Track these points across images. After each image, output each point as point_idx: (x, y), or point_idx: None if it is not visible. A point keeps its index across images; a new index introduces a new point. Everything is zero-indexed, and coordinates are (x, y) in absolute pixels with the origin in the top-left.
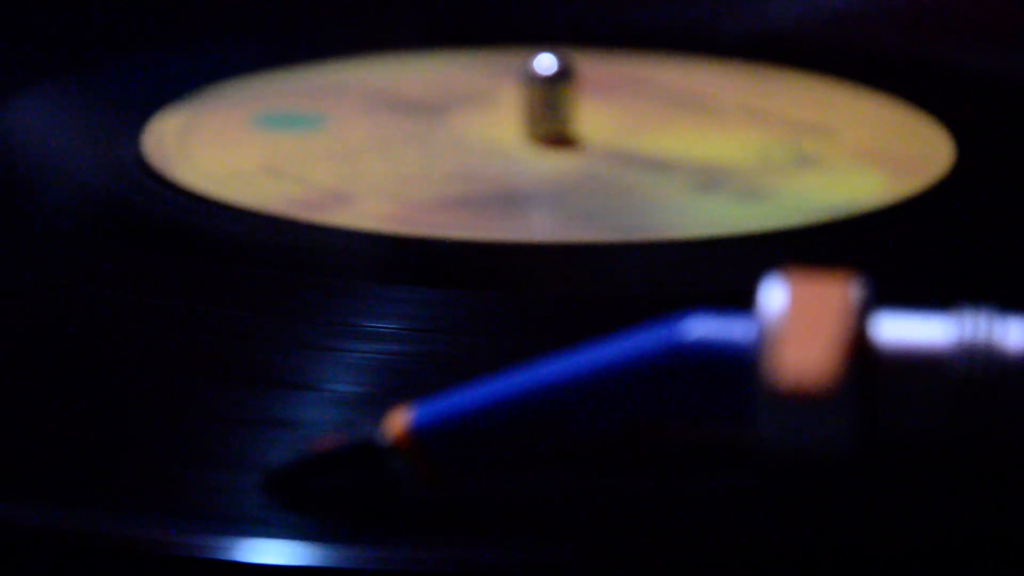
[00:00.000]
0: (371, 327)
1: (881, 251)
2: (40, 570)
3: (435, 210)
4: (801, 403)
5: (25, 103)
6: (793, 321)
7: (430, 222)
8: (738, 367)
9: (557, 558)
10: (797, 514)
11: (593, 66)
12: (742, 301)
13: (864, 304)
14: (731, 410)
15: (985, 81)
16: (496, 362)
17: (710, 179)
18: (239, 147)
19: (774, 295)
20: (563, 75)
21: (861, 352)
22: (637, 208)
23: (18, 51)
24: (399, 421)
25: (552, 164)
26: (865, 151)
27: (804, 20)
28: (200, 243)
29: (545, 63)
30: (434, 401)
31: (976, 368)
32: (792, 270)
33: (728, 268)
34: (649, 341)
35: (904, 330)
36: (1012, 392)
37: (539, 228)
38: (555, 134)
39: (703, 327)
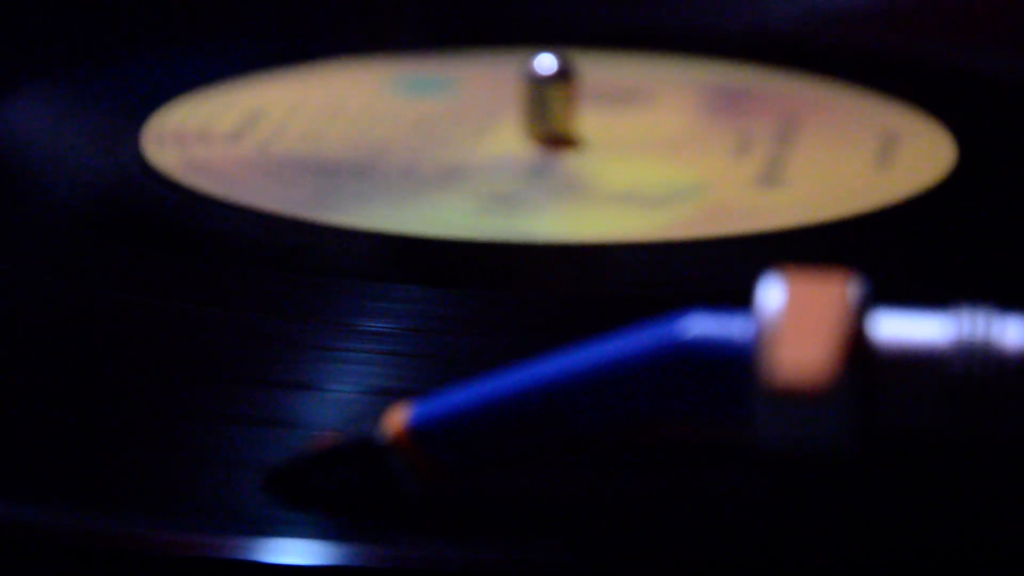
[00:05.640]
0: (370, 327)
1: (881, 251)
2: (40, 570)
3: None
4: (799, 401)
5: (26, 101)
6: (791, 319)
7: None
8: (736, 365)
9: (556, 558)
10: (795, 512)
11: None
12: (741, 300)
13: (862, 303)
14: (729, 408)
15: (985, 81)
16: (496, 362)
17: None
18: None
19: (772, 293)
20: (563, 75)
21: (859, 350)
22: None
23: (19, 50)
24: (397, 419)
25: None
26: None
27: (804, 20)
28: (200, 243)
29: (545, 63)
30: (432, 399)
31: (974, 366)
32: (790, 269)
33: (727, 268)
34: (647, 339)
35: (902, 328)
36: (1010, 390)
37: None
38: (555, 134)
39: (701, 325)
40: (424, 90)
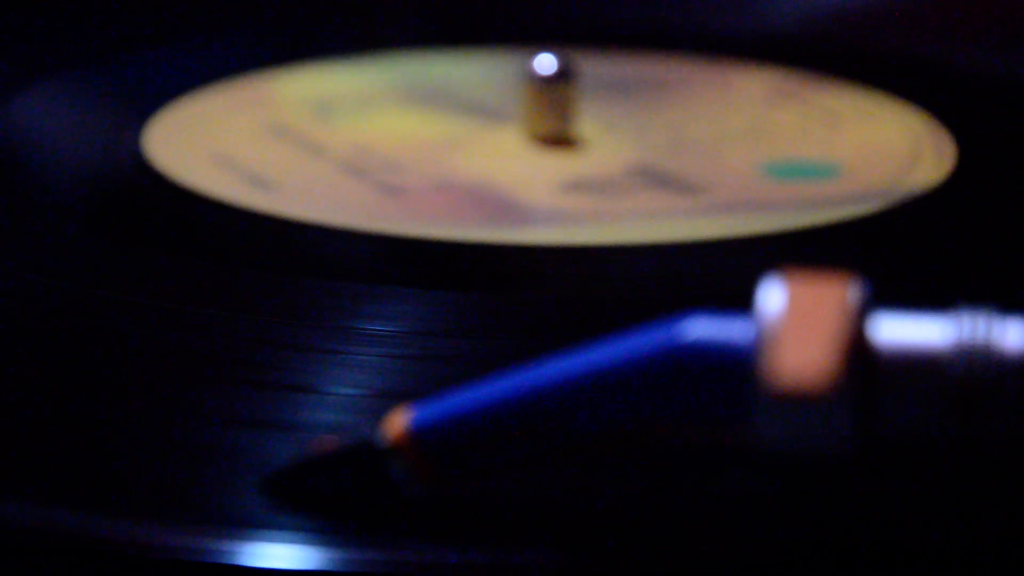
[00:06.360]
0: (370, 329)
1: (881, 252)
2: (40, 570)
3: None
4: (799, 404)
5: (27, 101)
6: (791, 322)
7: None
8: (736, 368)
9: (557, 558)
10: (796, 515)
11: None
12: (741, 302)
13: (862, 305)
14: (729, 411)
15: (985, 81)
16: (496, 364)
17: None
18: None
19: (773, 296)
20: (563, 75)
21: (859, 353)
22: None
23: (20, 49)
24: (398, 422)
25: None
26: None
27: (804, 20)
28: (200, 243)
29: (545, 63)
30: (433, 402)
31: (975, 369)
32: (791, 271)
33: (728, 269)
34: (647, 342)
35: (903, 331)
36: (1010, 392)
37: None
38: (555, 134)
39: (701, 328)
40: (801, 176)
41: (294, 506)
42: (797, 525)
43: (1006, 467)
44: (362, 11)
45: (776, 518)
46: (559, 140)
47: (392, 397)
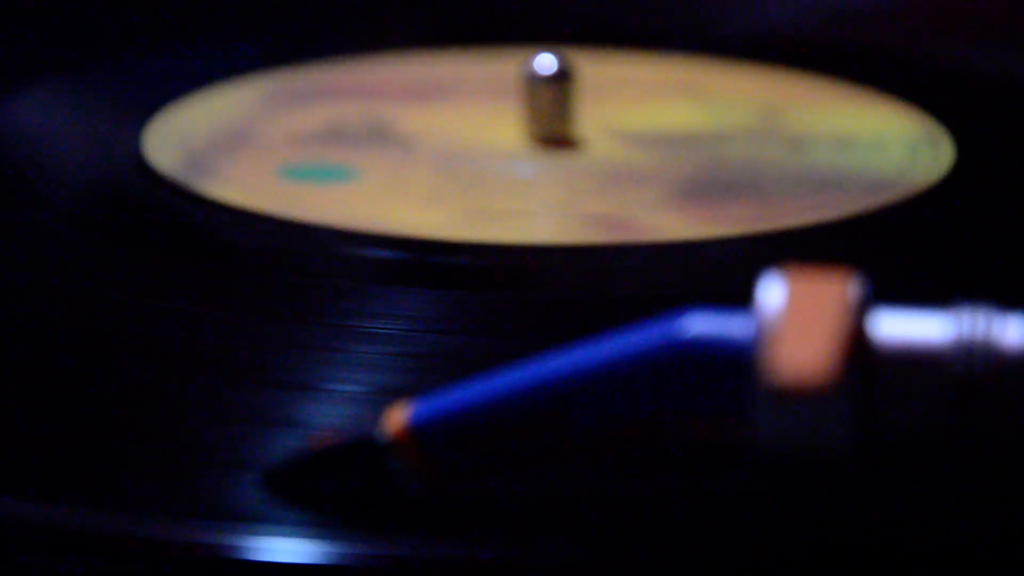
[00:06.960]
0: (371, 328)
1: (881, 251)
2: (40, 570)
3: None
4: (799, 400)
5: (27, 102)
6: (791, 318)
7: None
8: (736, 364)
9: (556, 556)
10: (795, 511)
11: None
12: (741, 301)
13: (862, 302)
14: (729, 407)
15: (985, 81)
16: (496, 363)
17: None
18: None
19: (773, 292)
20: (563, 75)
21: (859, 349)
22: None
23: (19, 50)
24: (398, 418)
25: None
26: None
27: (804, 20)
28: (200, 243)
29: (545, 63)
30: (433, 398)
31: (974, 365)
32: (791, 268)
33: (728, 268)
34: (648, 338)
35: (903, 327)
36: (1010, 389)
37: None
38: (555, 134)
39: (702, 324)
40: (315, 178)
41: (294, 501)
42: (797, 525)
43: (1006, 465)
44: (361, 12)
45: (776, 518)
46: (559, 140)
47: (392, 394)
